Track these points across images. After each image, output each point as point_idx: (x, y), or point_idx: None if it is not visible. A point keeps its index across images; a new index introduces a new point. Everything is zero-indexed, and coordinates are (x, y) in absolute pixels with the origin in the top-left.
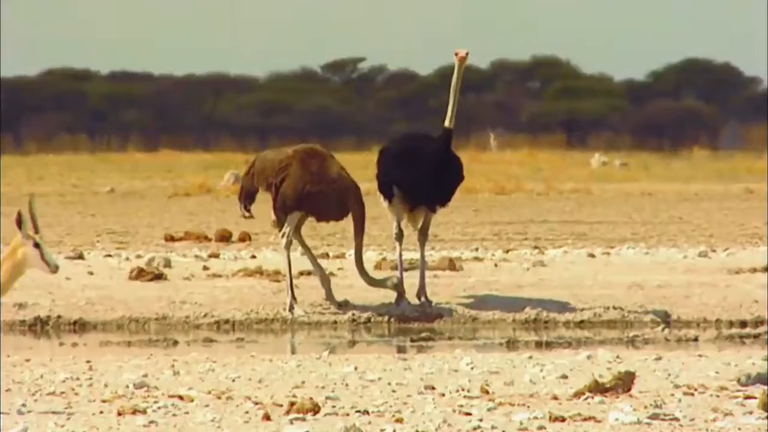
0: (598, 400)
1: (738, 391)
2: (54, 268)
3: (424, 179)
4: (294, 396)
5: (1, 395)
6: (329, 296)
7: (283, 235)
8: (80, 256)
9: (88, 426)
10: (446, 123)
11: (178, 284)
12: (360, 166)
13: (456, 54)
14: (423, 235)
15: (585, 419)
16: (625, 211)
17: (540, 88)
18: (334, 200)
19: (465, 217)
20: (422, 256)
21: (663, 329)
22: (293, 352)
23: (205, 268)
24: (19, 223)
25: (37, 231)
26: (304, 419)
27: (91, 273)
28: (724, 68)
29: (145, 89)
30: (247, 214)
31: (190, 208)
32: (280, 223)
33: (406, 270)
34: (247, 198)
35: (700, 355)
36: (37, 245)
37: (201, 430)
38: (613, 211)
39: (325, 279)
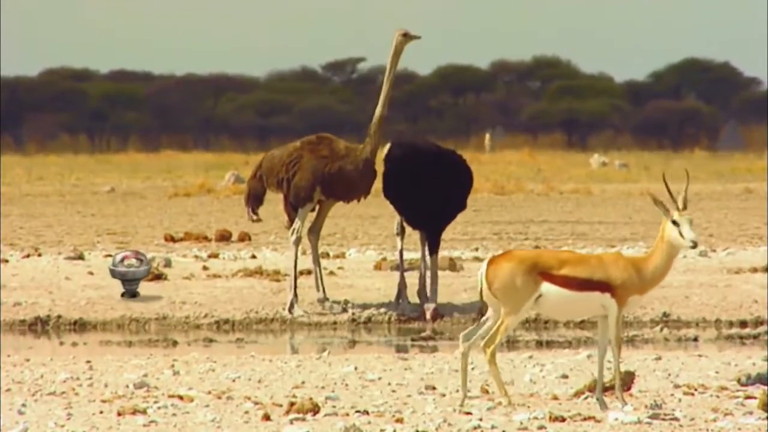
0: None
1: (738, 391)
2: (691, 244)
3: (424, 206)
4: (294, 396)
5: (1, 395)
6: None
7: (292, 232)
8: (80, 256)
9: (88, 426)
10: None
11: (178, 284)
12: None
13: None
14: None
15: (585, 419)
16: (625, 211)
17: (540, 88)
18: (356, 174)
19: (465, 217)
20: (424, 255)
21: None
22: (293, 352)
23: (205, 268)
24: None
25: (685, 207)
26: (304, 419)
27: (91, 273)
28: (724, 68)
29: (145, 89)
30: (255, 217)
31: (191, 208)
32: (291, 221)
33: (406, 270)
34: (254, 201)
35: (700, 355)
36: (675, 222)
37: (201, 430)
38: (613, 211)
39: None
